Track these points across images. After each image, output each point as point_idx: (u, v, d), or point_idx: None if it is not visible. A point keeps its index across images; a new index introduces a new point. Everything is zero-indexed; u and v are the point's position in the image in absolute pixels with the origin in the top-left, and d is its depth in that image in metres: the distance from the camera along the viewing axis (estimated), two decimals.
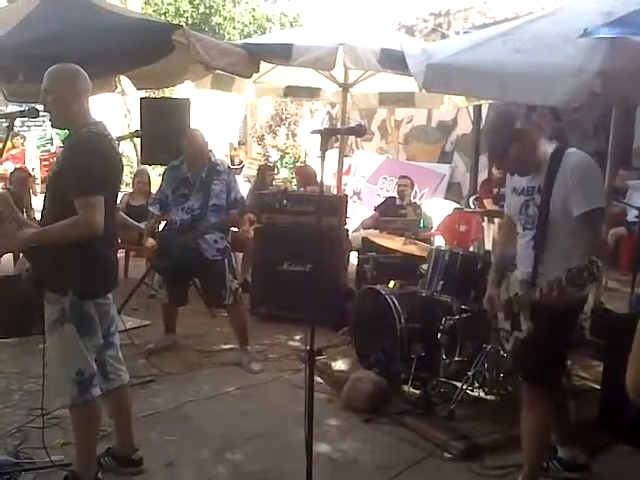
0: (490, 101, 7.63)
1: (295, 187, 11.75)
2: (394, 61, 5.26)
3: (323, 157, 2.64)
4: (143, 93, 8.42)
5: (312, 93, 8.09)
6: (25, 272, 2.96)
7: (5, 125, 12.16)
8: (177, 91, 10.94)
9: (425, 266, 4.53)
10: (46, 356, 2.88)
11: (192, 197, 4.64)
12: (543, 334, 2.84)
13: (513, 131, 2.81)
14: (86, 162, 2.69)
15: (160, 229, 5.12)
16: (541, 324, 2.83)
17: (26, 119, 10.22)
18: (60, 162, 2.84)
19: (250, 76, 5.99)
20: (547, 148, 2.86)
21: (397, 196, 7.29)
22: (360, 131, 2.68)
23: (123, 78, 6.37)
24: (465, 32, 8.69)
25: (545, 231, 2.83)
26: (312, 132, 2.77)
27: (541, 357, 2.88)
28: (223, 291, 4.64)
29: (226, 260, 4.68)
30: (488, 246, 6.94)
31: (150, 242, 4.78)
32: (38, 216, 3.05)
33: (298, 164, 13.57)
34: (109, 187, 2.85)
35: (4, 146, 4.02)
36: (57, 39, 4.71)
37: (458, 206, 7.91)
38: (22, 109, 3.33)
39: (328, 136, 2.67)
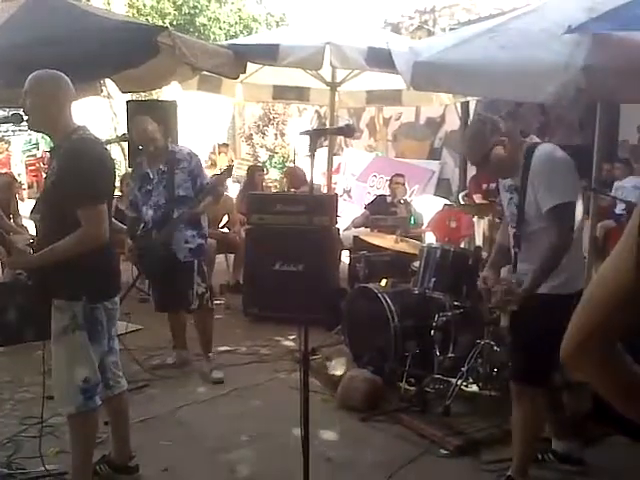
0: (477, 98, 7.67)
1: (285, 187, 11.82)
2: (381, 59, 5.27)
3: (313, 158, 2.64)
4: (129, 96, 8.39)
5: (301, 95, 8.08)
6: (22, 278, 2.92)
7: None
8: (164, 93, 10.90)
9: (417, 263, 4.54)
10: (52, 363, 2.82)
11: (155, 192, 4.36)
12: (525, 334, 2.88)
13: (489, 140, 2.81)
14: (87, 170, 2.66)
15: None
16: (522, 323, 2.87)
17: (11, 124, 10.17)
18: (57, 171, 2.75)
19: (237, 77, 5.98)
20: (523, 147, 2.86)
21: (388, 193, 7.30)
22: (349, 131, 2.69)
23: (108, 81, 6.33)
24: (451, 29, 8.72)
25: (522, 229, 2.85)
26: (300, 133, 2.78)
27: (524, 357, 2.91)
28: (190, 294, 4.40)
29: (196, 261, 4.42)
30: (479, 242, 6.98)
31: (129, 245, 4.55)
32: (25, 222, 3.02)
33: (287, 164, 13.55)
34: (107, 194, 2.84)
35: None
36: (40, 43, 4.67)
37: (448, 202, 7.92)
38: (5, 115, 3.29)
39: (317, 137, 2.67)
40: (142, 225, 4.48)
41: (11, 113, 3.01)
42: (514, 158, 2.84)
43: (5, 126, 14.58)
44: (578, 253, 2.95)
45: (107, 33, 4.99)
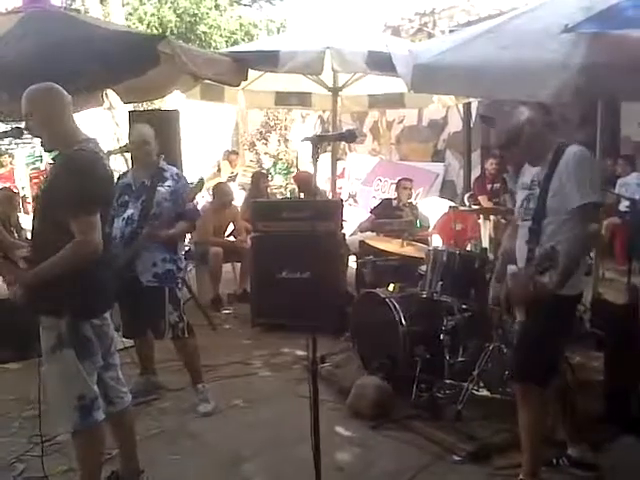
0: (479, 99, 7.64)
1: (289, 193, 11.80)
2: (382, 63, 5.26)
3: (315, 164, 2.63)
4: (131, 106, 8.40)
5: (303, 100, 8.08)
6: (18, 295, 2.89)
7: None
8: (166, 102, 10.91)
9: (424, 267, 4.51)
10: (46, 382, 2.82)
11: (131, 204, 4.08)
12: (531, 331, 2.87)
13: (521, 120, 2.88)
14: (80, 181, 2.64)
15: None
16: (529, 321, 2.86)
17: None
18: (51, 181, 2.78)
19: (238, 84, 5.99)
20: (553, 144, 2.90)
21: (394, 197, 7.26)
22: (350, 137, 2.66)
23: (110, 92, 6.34)
24: (451, 31, 8.69)
25: (540, 222, 2.86)
26: (302, 140, 2.76)
27: (528, 356, 2.90)
28: (161, 323, 4.06)
29: (167, 288, 4.05)
30: (485, 244, 6.94)
31: None
32: (29, 235, 3.00)
33: (291, 170, 13.54)
34: (102, 205, 2.81)
35: None
36: (41, 55, 4.64)
37: (453, 204, 7.90)
38: (5, 129, 3.27)
39: (319, 143, 2.65)
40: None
41: (12, 127, 3.00)
42: (543, 144, 2.90)
43: (8, 139, 14.56)
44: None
45: (108, 43, 4.97)
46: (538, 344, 2.84)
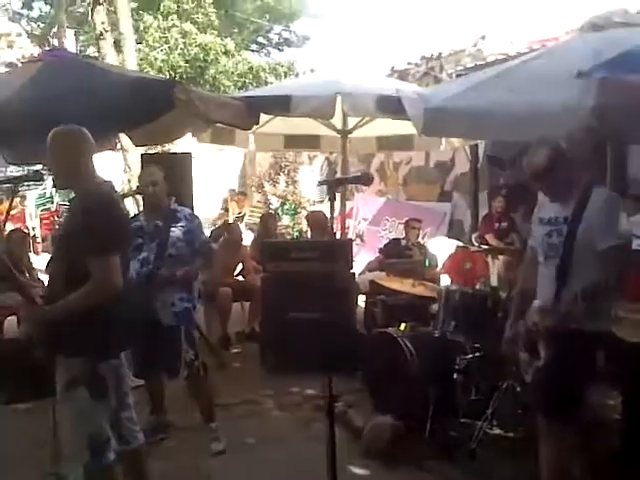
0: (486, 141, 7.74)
1: (297, 233, 11.89)
2: (392, 106, 5.35)
3: (332, 205, 2.69)
4: (143, 150, 8.52)
5: (312, 143, 8.20)
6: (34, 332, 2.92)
7: (7, 187, 12.24)
8: (177, 144, 11.08)
9: (435, 306, 4.53)
10: (61, 420, 2.83)
11: (146, 247, 4.09)
12: (560, 364, 2.88)
13: (560, 150, 2.97)
14: (101, 222, 2.69)
15: None
16: (558, 354, 2.87)
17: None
18: (70, 223, 2.83)
19: (250, 128, 6.08)
20: (577, 182, 2.98)
21: (402, 237, 7.32)
22: (366, 179, 2.73)
23: (122, 135, 6.45)
24: (458, 75, 8.85)
25: (569, 259, 2.90)
26: (320, 183, 2.85)
27: (557, 388, 2.91)
28: (177, 363, 4.07)
29: (183, 327, 4.10)
30: (494, 282, 6.95)
31: None
32: (41, 276, 3.03)
33: (299, 210, 13.63)
34: (122, 245, 2.87)
35: (9, 210, 4.03)
36: (58, 100, 4.74)
37: (461, 244, 7.93)
38: (24, 172, 3.33)
39: (336, 186, 2.72)
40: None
41: (31, 170, 3.07)
42: (567, 180, 2.98)
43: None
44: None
45: (124, 89, 5.10)
46: (565, 379, 2.86)
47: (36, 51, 15.86)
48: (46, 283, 3.12)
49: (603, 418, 4.14)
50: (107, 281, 2.68)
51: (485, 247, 7.43)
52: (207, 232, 9.39)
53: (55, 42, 16.42)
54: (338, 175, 9.07)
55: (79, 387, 2.73)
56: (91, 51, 17.51)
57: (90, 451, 2.73)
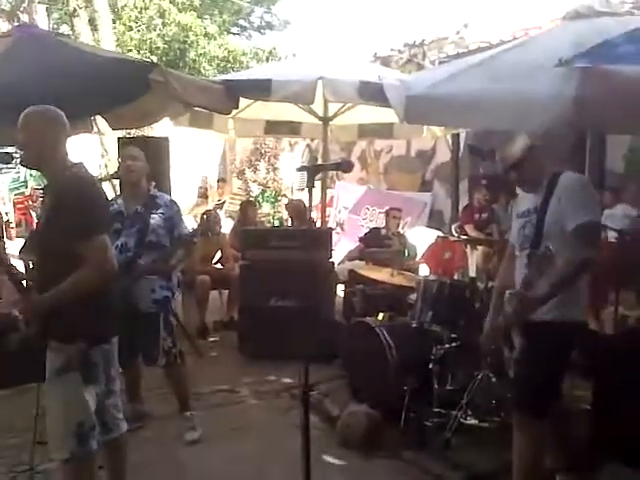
0: (468, 130, 7.73)
1: (277, 221, 11.81)
2: (373, 93, 5.30)
3: (310, 192, 2.63)
4: (120, 133, 8.39)
5: (293, 129, 8.12)
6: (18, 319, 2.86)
7: None
8: (155, 129, 10.93)
9: (413, 296, 4.52)
10: (47, 406, 2.75)
11: (125, 232, 4.01)
12: (530, 362, 2.89)
13: (534, 140, 3.01)
14: (83, 204, 2.62)
15: None
16: (530, 346, 2.87)
17: None
18: (51, 209, 2.71)
19: (229, 112, 6.00)
20: (548, 172, 2.99)
21: (382, 226, 7.30)
22: (347, 166, 2.67)
23: (99, 118, 6.33)
24: (440, 62, 8.82)
25: (539, 248, 2.87)
26: (298, 169, 2.77)
27: (530, 380, 2.91)
28: (155, 351, 4.04)
29: (162, 314, 4.06)
30: (472, 273, 6.96)
31: None
32: (14, 261, 2.95)
33: (279, 198, 13.56)
34: (108, 226, 2.81)
35: None
36: (31, 81, 4.62)
37: (441, 234, 7.93)
38: None
39: (315, 173, 2.67)
40: None
41: (1, 152, 2.98)
42: (542, 170, 3.00)
43: None
44: (583, 282, 2.97)
45: (99, 70, 4.96)
46: (537, 375, 2.86)
47: (5, 27, 15.35)
48: (23, 271, 3.03)
49: (573, 408, 4.17)
50: (103, 260, 2.64)
51: (464, 237, 7.43)
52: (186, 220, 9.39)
53: (25, 18, 15.87)
54: (319, 162, 9.01)
55: (71, 372, 2.67)
56: (64, 29, 17.05)
57: (76, 438, 2.68)
